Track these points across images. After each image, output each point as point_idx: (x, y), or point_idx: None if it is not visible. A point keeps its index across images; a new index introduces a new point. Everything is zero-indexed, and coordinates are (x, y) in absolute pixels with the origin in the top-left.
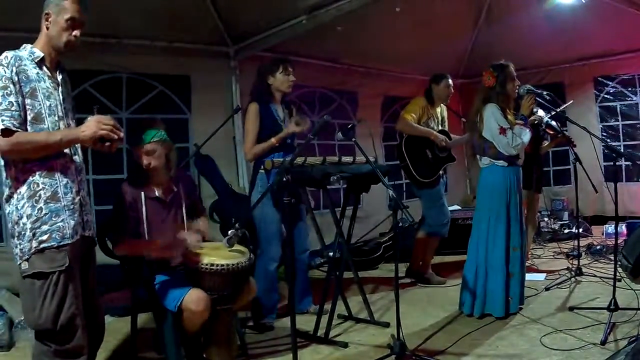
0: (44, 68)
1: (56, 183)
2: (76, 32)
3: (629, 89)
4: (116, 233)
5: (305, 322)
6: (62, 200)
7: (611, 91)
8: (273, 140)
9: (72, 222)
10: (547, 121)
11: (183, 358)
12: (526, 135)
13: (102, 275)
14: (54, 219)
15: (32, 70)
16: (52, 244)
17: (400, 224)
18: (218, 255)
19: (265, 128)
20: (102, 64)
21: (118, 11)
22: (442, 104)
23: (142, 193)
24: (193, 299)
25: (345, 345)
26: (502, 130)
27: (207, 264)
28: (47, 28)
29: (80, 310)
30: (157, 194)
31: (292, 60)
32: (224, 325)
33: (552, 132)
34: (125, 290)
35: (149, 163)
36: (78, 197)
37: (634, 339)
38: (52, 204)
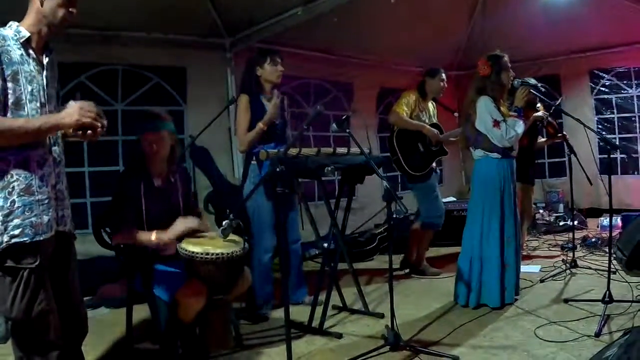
0: (30, 49)
1: (31, 176)
2: (72, 8)
3: (625, 81)
4: (115, 222)
5: (300, 313)
6: (36, 194)
7: (607, 84)
8: (260, 124)
9: (46, 218)
10: (549, 120)
11: (179, 348)
12: (520, 127)
13: (98, 267)
14: (26, 213)
15: (16, 52)
16: (25, 239)
17: (396, 215)
18: (212, 245)
19: (255, 119)
20: (99, 56)
21: (114, 3)
22: (432, 99)
23: (142, 182)
24: (188, 289)
25: (339, 336)
26: (496, 123)
27: (201, 253)
28: (42, 4)
29: (51, 307)
30: (155, 184)
31: (279, 51)
32: (219, 315)
33: (552, 131)
34: (120, 282)
35: (157, 150)
36: (54, 191)
37: (628, 331)
38: (25, 197)
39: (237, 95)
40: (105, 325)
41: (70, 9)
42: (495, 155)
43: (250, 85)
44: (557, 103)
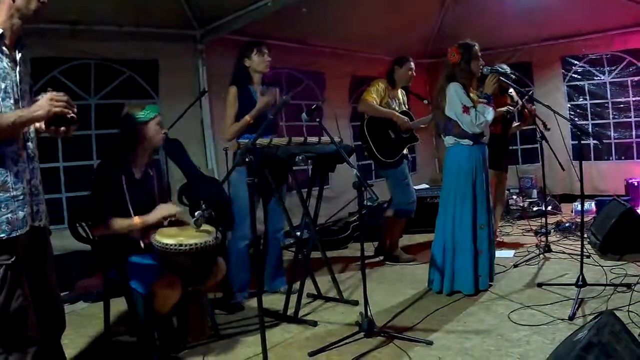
0: (3, 46)
1: (6, 172)
2: None
3: (597, 68)
4: (95, 214)
5: (276, 302)
6: (11, 190)
7: (579, 70)
8: (247, 117)
9: (22, 214)
10: (522, 104)
11: (156, 340)
12: (489, 114)
13: (75, 261)
14: (2, 210)
15: None
16: (2, 236)
17: (369, 203)
18: (186, 235)
19: (244, 109)
20: (71, 51)
21: None
22: (401, 88)
23: (123, 174)
24: (164, 280)
25: (314, 324)
26: (466, 109)
27: (175, 245)
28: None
29: (28, 302)
30: (136, 175)
31: (266, 42)
32: (195, 306)
33: (528, 114)
34: (97, 276)
35: (162, 132)
36: (29, 187)
37: (599, 314)
38: (1, 194)
39: (209, 86)
40: (83, 319)
41: (41, 0)
42: (466, 142)
43: (240, 77)
44: (530, 92)
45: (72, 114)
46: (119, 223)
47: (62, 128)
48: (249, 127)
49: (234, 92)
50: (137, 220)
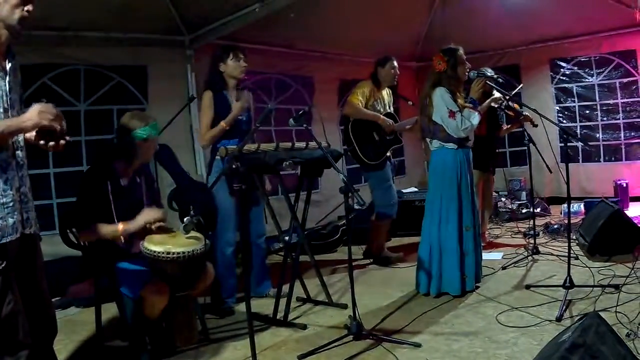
0: None
1: None
2: (28, 7)
3: (585, 70)
4: (81, 220)
5: (265, 306)
6: (1, 197)
7: (567, 73)
8: (222, 123)
9: (12, 220)
10: (506, 103)
11: (147, 344)
12: (475, 118)
13: (66, 267)
14: None
15: None
16: None
17: (358, 207)
18: (175, 242)
19: (219, 115)
20: (60, 57)
21: (74, 4)
22: (387, 88)
23: (109, 182)
24: (152, 287)
25: (304, 327)
26: (452, 114)
27: (163, 253)
28: None
29: (20, 307)
30: (122, 183)
31: (242, 47)
32: (184, 311)
33: (512, 114)
34: (89, 281)
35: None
36: (18, 194)
37: (585, 315)
38: None
39: (198, 92)
40: (75, 325)
41: (25, 9)
42: (451, 145)
43: (214, 82)
44: (516, 90)
45: (60, 131)
46: (103, 229)
47: (51, 143)
48: (225, 133)
49: (208, 98)
50: (120, 226)
